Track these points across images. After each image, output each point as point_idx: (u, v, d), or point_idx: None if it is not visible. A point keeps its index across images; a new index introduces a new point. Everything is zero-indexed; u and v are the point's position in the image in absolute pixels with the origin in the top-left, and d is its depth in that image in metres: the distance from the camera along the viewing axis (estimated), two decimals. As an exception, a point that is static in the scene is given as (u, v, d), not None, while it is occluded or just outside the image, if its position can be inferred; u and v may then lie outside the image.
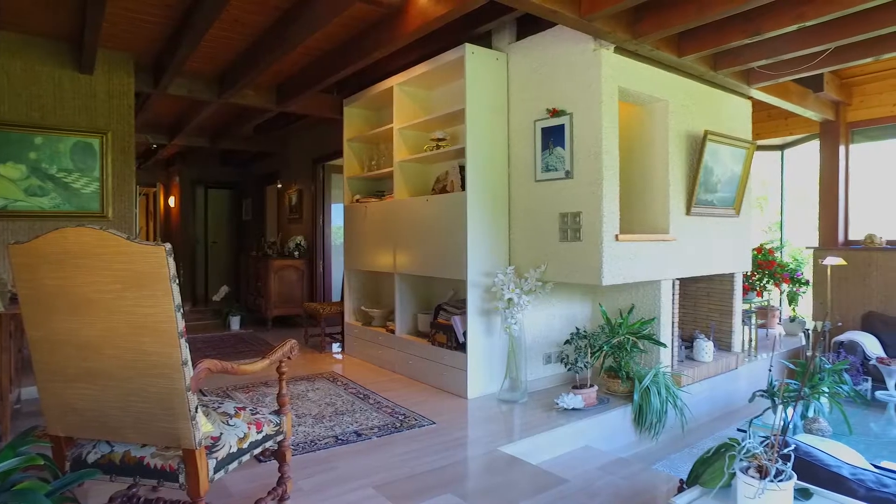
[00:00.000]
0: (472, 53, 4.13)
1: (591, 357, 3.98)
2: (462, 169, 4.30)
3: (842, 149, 6.23)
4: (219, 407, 2.19)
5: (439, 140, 4.60)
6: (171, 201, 10.67)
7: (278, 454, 2.38)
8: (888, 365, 4.25)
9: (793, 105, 5.51)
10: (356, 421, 3.68)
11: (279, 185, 9.01)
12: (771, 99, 5.23)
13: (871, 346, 5.19)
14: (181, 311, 1.74)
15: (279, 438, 2.33)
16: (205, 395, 2.42)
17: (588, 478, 3.04)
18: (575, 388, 3.90)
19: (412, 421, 3.67)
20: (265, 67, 4.71)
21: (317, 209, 7.85)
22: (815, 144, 6.55)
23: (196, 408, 1.80)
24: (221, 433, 2.00)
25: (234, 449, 2.01)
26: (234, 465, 2.03)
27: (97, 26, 3.92)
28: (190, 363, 1.78)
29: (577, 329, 4.19)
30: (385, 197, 5.32)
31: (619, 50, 3.85)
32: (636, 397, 3.86)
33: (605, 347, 3.99)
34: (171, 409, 1.78)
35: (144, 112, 6.20)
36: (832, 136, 6.25)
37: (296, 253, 7.86)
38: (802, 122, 6.42)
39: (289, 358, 2.40)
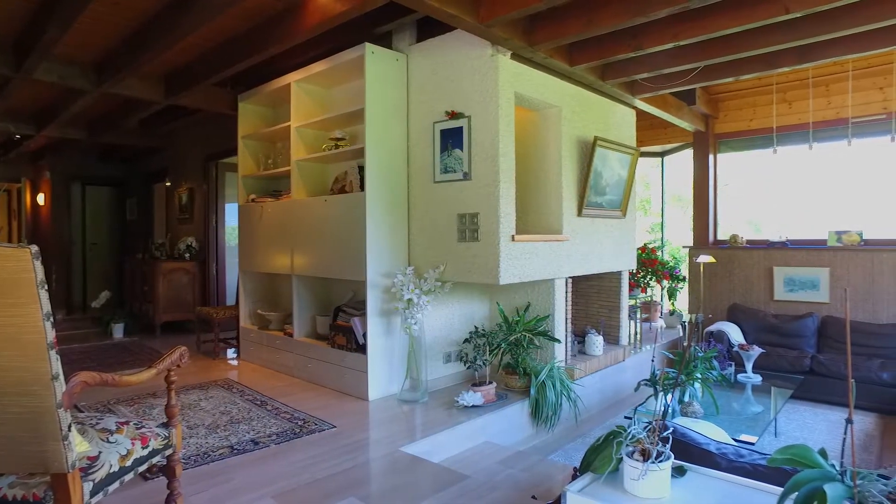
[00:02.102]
0: (372, 53, 4.11)
1: (489, 354, 4.10)
2: (361, 169, 4.27)
3: (711, 157, 6.87)
4: (97, 423, 2.03)
5: (338, 139, 4.53)
6: (41, 199, 9.65)
7: (167, 469, 2.24)
8: (747, 350, 4.76)
9: (670, 116, 6.01)
10: (253, 429, 3.54)
11: (168, 183, 8.45)
12: (652, 109, 5.67)
13: (735, 334, 5.77)
14: (51, 319, 1.59)
15: (168, 452, 2.19)
16: (81, 412, 2.22)
17: (489, 472, 3.13)
18: (474, 385, 4.00)
19: (312, 425, 3.59)
20: (152, 57, 4.39)
21: (209, 209, 7.45)
22: (690, 152, 7.17)
23: (69, 426, 1.65)
24: (100, 452, 1.85)
25: (115, 468, 1.87)
26: (116, 485, 1.89)
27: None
28: (62, 377, 1.62)
29: (476, 328, 4.30)
30: (282, 197, 5.16)
31: (516, 56, 3.99)
32: (533, 392, 4.02)
33: (502, 345, 4.12)
34: (37, 430, 1.61)
35: (4, 98, 5.57)
36: (703, 145, 6.88)
37: (187, 255, 7.41)
38: (679, 131, 7.02)
39: (178, 366, 2.27)
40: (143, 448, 2.02)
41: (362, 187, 4.22)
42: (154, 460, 2.11)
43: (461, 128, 4.00)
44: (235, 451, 3.17)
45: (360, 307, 4.37)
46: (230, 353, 5.84)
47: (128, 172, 9.91)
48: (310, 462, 3.05)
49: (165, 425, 2.21)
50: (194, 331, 6.24)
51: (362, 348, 4.14)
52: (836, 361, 5.11)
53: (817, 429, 4.52)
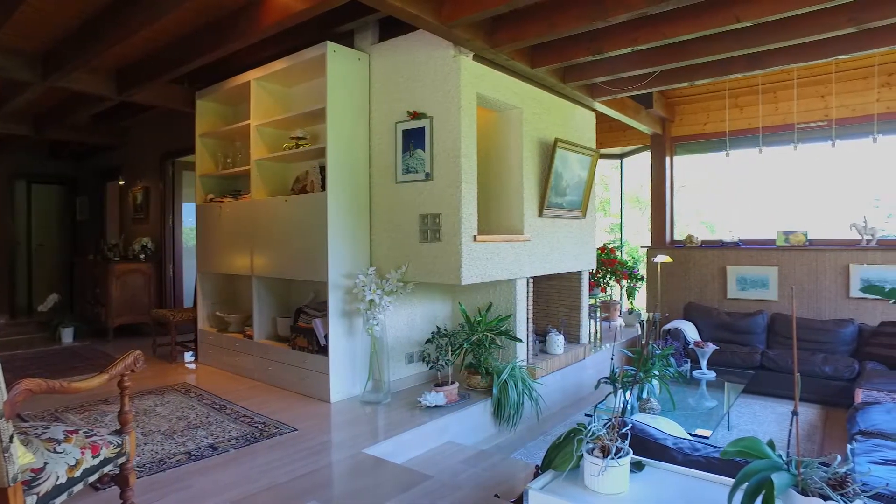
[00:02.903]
0: (333, 52, 4.06)
1: (451, 355, 4.11)
2: (322, 169, 4.22)
3: (667, 159, 7.06)
4: (43, 433, 1.94)
5: (299, 139, 4.47)
6: (-18, 197, 9.20)
7: (120, 479, 2.17)
8: (702, 348, 4.92)
9: (629, 119, 6.15)
10: (211, 434, 3.45)
11: (122, 182, 8.18)
12: (611, 112, 5.79)
13: (691, 332, 5.95)
14: (-8, 325, 1.51)
15: (121, 461, 2.12)
16: (25, 422, 2.13)
17: (452, 472, 3.14)
18: (437, 385, 4.00)
19: (273, 429, 3.53)
20: (103, 50, 4.23)
21: (166, 208, 7.24)
22: (647, 155, 7.35)
23: (11, 437, 1.57)
24: (46, 463, 1.77)
25: (63, 479, 1.80)
26: (63, 497, 1.81)
27: None
28: (3, 385, 1.55)
29: (438, 328, 4.31)
30: (241, 196, 5.06)
31: (478, 58, 4.02)
32: (495, 391, 4.05)
33: (465, 345, 4.14)
34: (-22, 439, 1.54)
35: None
36: (660, 147, 7.07)
37: (142, 256, 7.18)
38: (638, 134, 7.19)
39: (132, 371, 2.20)
40: (93, 457, 1.95)
41: (323, 187, 4.17)
42: (106, 469, 2.04)
43: (423, 128, 4.00)
44: (193, 458, 3.09)
45: (321, 308, 4.32)
46: (188, 356, 5.69)
47: (78, 170, 9.53)
48: (270, 466, 3.00)
49: (118, 432, 2.14)
50: (150, 334, 6.05)
51: (324, 350, 4.10)
52: (784, 357, 5.32)
53: (766, 421, 4.69)
